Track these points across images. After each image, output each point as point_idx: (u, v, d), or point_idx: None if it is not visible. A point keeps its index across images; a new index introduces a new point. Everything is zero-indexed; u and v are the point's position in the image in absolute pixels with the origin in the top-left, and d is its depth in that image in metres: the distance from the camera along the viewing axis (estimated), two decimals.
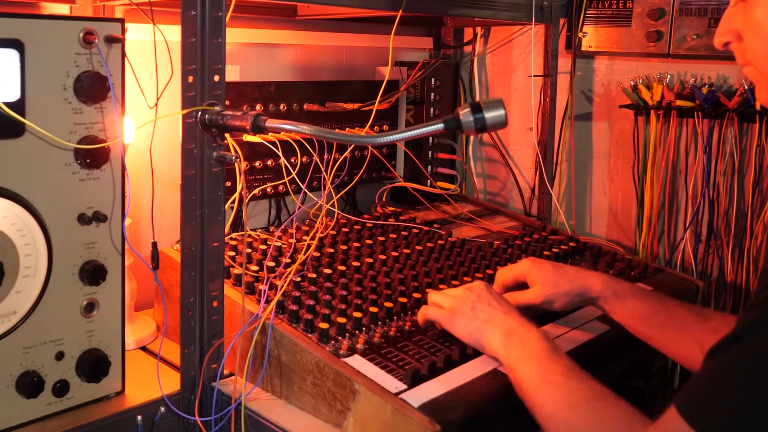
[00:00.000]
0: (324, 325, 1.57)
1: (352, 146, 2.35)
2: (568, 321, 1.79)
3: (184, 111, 1.48)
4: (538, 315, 1.77)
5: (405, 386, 1.44)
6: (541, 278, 1.77)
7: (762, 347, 1.10)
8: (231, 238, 1.99)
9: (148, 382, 1.61)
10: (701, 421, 1.12)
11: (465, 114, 1.31)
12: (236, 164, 1.52)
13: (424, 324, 1.68)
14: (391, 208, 2.44)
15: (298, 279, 1.78)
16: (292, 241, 1.95)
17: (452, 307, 1.63)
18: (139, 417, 1.53)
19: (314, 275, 1.82)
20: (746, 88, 2.28)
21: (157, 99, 1.55)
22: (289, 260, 1.86)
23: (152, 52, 1.53)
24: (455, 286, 1.85)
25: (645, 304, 1.70)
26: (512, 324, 1.55)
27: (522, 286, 1.82)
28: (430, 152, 2.68)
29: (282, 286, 1.69)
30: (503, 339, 1.52)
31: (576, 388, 1.36)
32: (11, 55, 1.32)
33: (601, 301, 1.74)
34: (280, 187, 2.24)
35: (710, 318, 1.64)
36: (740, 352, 1.12)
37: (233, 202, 1.98)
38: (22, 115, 1.33)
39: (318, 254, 1.94)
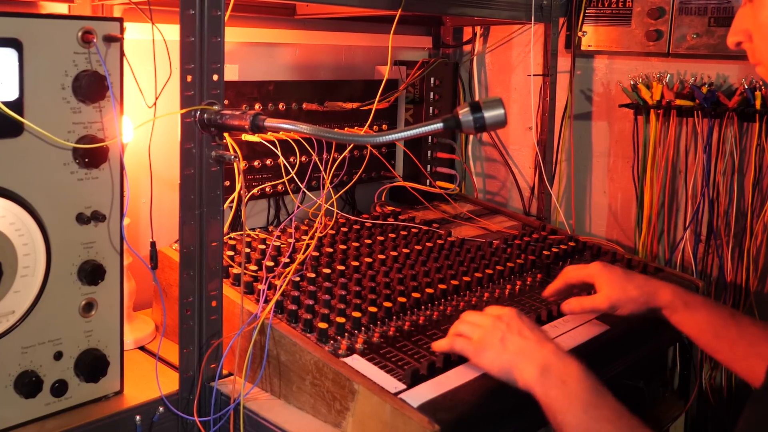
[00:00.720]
0: (323, 325, 1.57)
1: (351, 146, 2.35)
2: (567, 320, 1.79)
3: (183, 110, 1.48)
4: (537, 315, 1.77)
5: (404, 386, 1.44)
6: (611, 282, 1.74)
7: None
8: (230, 238, 1.98)
9: (146, 382, 1.61)
10: None
11: (464, 113, 1.31)
12: (235, 164, 1.52)
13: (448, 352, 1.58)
14: (390, 208, 2.43)
15: (297, 279, 1.77)
16: (291, 240, 1.95)
17: (480, 339, 1.51)
18: (138, 417, 1.53)
19: (313, 275, 1.82)
20: (746, 87, 2.28)
21: (156, 98, 1.54)
22: (288, 260, 1.86)
23: (151, 51, 1.52)
24: (455, 286, 1.85)
25: (715, 317, 1.67)
26: (548, 357, 1.43)
27: (585, 288, 1.82)
28: (429, 152, 2.68)
29: (281, 285, 1.68)
30: (539, 374, 1.41)
31: None
32: (10, 55, 1.31)
33: (669, 311, 1.71)
34: (279, 187, 2.24)
35: None
36: None
37: (232, 201, 1.97)
38: (21, 115, 1.33)
39: (317, 254, 1.94)
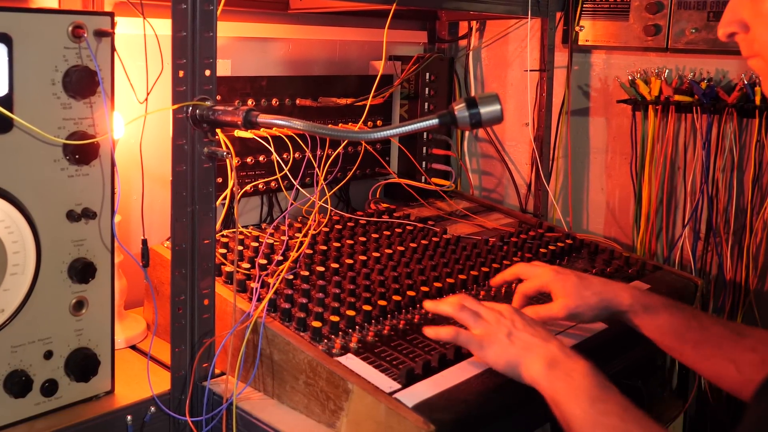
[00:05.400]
0: (317, 324, 1.56)
1: (346, 142, 2.34)
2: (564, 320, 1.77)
3: (175, 106, 1.47)
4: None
5: (399, 386, 1.43)
6: (566, 290, 1.69)
7: None
8: (222, 236, 1.97)
9: (138, 381, 1.60)
10: None
11: (460, 109, 1.29)
12: (227, 160, 1.51)
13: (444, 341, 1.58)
14: (384, 205, 2.42)
15: (291, 277, 1.76)
16: (285, 238, 1.94)
17: (485, 333, 1.51)
18: (129, 417, 1.52)
19: (307, 273, 1.81)
20: (745, 83, 2.27)
21: (147, 94, 1.53)
22: (281, 258, 1.85)
23: (142, 46, 1.51)
24: (450, 284, 1.84)
25: (677, 319, 1.64)
26: (554, 352, 1.43)
27: (544, 297, 1.76)
28: (424, 148, 2.67)
29: (274, 283, 1.68)
30: (545, 369, 1.41)
31: None
32: None
33: (631, 315, 1.67)
34: (272, 184, 2.23)
35: (747, 335, 1.58)
36: None
37: (224, 198, 1.96)
38: (10, 111, 1.32)
39: (311, 252, 1.93)
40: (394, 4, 1.97)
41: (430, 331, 1.56)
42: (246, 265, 1.81)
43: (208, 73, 1.50)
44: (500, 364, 1.47)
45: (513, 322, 1.51)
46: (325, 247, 1.98)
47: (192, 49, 1.47)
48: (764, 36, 1.24)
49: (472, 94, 2.85)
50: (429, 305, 1.63)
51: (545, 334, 1.49)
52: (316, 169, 2.13)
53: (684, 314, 1.65)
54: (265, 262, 1.82)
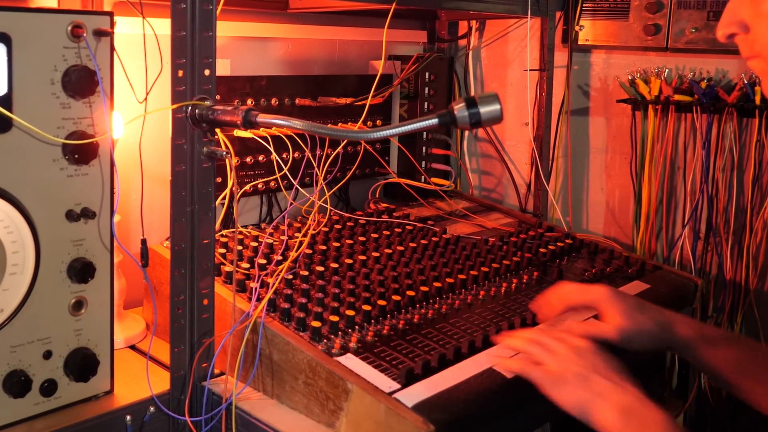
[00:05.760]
0: (316, 324, 1.56)
1: (345, 142, 2.34)
2: (563, 320, 1.76)
3: (174, 106, 1.47)
4: (533, 315, 1.75)
5: (398, 385, 1.42)
6: (622, 311, 1.59)
7: None
8: (222, 235, 1.96)
9: (137, 381, 1.59)
10: None
11: (459, 109, 1.29)
12: (227, 160, 1.50)
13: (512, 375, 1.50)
14: (384, 205, 2.42)
15: (290, 277, 1.76)
16: (284, 238, 1.93)
17: (558, 372, 1.43)
18: (128, 417, 1.52)
19: (306, 273, 1.81)
20: (745, 82, 2.27)
21: (147, 93, 1.53)
22: (280, 257, 1.85)
23: (141, 45, 1.51)
24: (450, 284, 1.84)
25: (740, 351, 1.57)
26: (630, 400, 1.37)
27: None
28: (424, 148, 2.67)
29: (273, 283, 1.67)
30: (620, 417, 1.34)
31: None
32: None
33: (688, 348, 1.59)
34: (272, 183, 2.23)
35: None
36: None
37: (224, 198, 1.96)
38: (9, 110, 1.32)
39: (310, 251, 1.92)
40: (394, 4, 1.96)
41: (501, 364, 1.51)
42: (245, 265, 1.81)
43: (207, 72, 1.49)
44: (570, 405, 1.40)
45: (589, 362, 1.43)
46: (324, 247, 1.98)
47: (191, 49, 1.47)
48: (765, 36, 1.23)
49: (472, 93, 2.86)
50: (499, 339, 1.57)
51: (621, 378, 1.41)
52: (316, 168, 2.13)
53: (745, 346, 1.59)
54: (264, 261, 1.82)
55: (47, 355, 1.44)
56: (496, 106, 1.29)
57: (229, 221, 2.06)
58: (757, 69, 1.28)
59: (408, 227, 2.23)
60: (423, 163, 2.67)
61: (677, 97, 2.39)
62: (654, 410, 1.35)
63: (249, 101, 2.18)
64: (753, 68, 1.29)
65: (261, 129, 2.01)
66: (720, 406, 2.38)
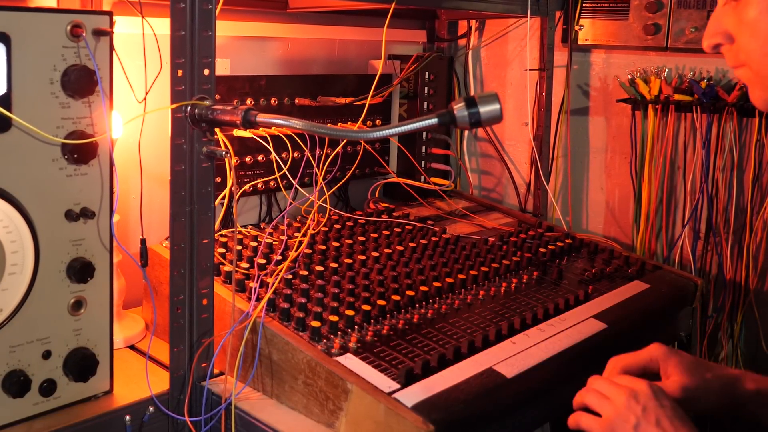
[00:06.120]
0: (316, 324, 1.55)
1: (345, 141, 2.34)
2: (563, 319, 1.77)
3: (174, 105, 1.47)
4: (533, 314, 1.75)
5: (398, 385, 1.42)
6: (682, 368, 1.48)
7: None
8: (221, 235, 1.96)
9: (136, 381, 1.59)
10: None
11: (459, 108, 1.29)
12: (226, 159, 1.50)
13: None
14: (383, 205, 2.41)
15: (290, 276, 1.76)
16: (284, 238, 1.93)
17: (611, 421, 1.35)
18: (128, 417, 1.52)
19: (306, 273, 1.80)
20: None
21: (146, 93, 1.53)
22: (280, 257, 1.84)
23: (141, 45, 1.51)
24: (450, 284, 1.83)
25: None
26: None
27: (651, 376, 1.53)
28: (423, 147, 2.66)
29: (273, 283, 1.67)
30: None
31: None
32: None
33: (756, 405, 1.48)
34: (271, 183, 2.23)
35: None
36: None
37: (223, 198, 1.96)
38: (9, 110, 1.32)
39: (309, 251, 1.92)
40: (393, 3, 1.96)
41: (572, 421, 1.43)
42: (245, 265, 1.81)
43: (206, 72, 1.49)
44: None
45: (645, 410, 1.34)
46: (324, 247, 1.97)
47: (191, 49, 1.47)
48: (749, 45, 1.23)
49: (472, 93, 2.85)
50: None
51: (680, 424, 1.33)
52: (315, 168, 2.12)
53: None
54: (263, 261, 1.82)
55: (46, 355, 1.44)
56: (496, 106, 1.29)
57: (228, 221, 2.05)
58: (744, 77, 1.28)
59: (408, 227, 2.23)
60: (422, 162, 2.66)
61: (677, 96, 2.39)
62: None
63: (248, 101, 2.18)
64: (740, 77, 1.29)
65: (260, 129, 2.01)
66: None
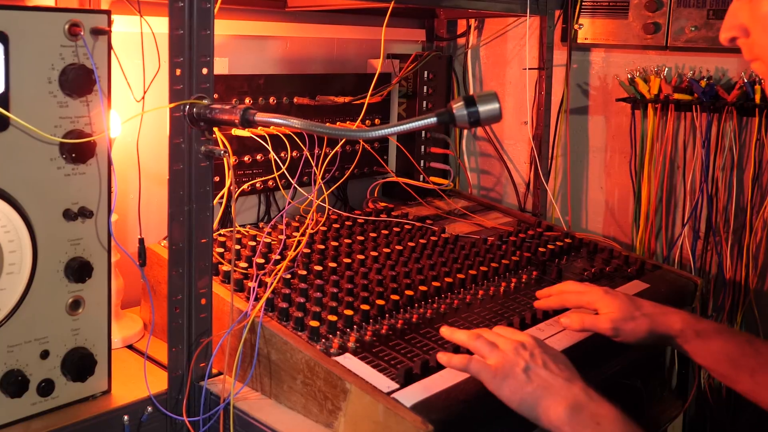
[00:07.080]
0: (314, 323, 1.55)
1: (343, 140, 2.34)
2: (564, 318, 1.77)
3: (172, 104, 1.46)
4: (532, 314, 1.75)
5: (397, 385, 1.42)
6: (614, 306, 1.65)
7: None
8: (219, 235, 1.96)
9: (134, 381, 1.59)
10: None
11: (458, 107, 1.29)
12: (225, 159, 1.50)
13: (458, 368, 1.46)
14: (382, 204, 2.41)
15: (288, 276, 1.76)
16: (282, 237, 1.93)
17: (500, 364, 1.40)
18: (126, 417, 1.51)
19: (304, 272, 1.80)
20: (745, 81, 2.26)
21: (144, 92, 1.53)
22: (278, 257, 1.84)
23: (139, 44, 1.51)
24: (449, 283, 1.83)
25: (732, 345, 1.58)
26: (579, 395, 1.33)
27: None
28: (422, 147, 2.66)
29: (272, 283, 1.67)
30: (569, 413, 1.31)
31: None
32: None
33: (681, 341, 1.62)
34: (270, 182, 2.22)
35: None
36: None
37: (222, 197, 1.95)
38: (7, 109, 1.31)
39: (308, 251, 1.92)
40: (392, 2, 1.96)
41: (443, 357, 1.47)
42: (243, 265, 1.80)
43: (205, 71, 1.49)
44: (515, 401, 1.37)
45: (533, 356, 1.40)
46: (322, 246, 1.97)
47: (189, 47, 1.47)
48: (763, 39, 1.24)
49: (471, 92, 2.85)
50: (445, 332, 1.55)
51: (568, 372, 1.39)
52: (314, 167, 2.12)
53: (738, 339, 1.60)
54: (262, 261, 1.82)
55: (44, 354, 1.44)
56: (495, 105, 1.28)
57: (227, 220, 2.05)
58: (759, 71, 1.29)
59: (407, 226, 2.22)
60: (422, 162, 2.66)
61: (677, 95, 2.39)
62: (604, 405, 1.32)
63: (247, 100, 2.18)
64: (755, 70, 1.30)
65: (259, 128, 2.00)
66: (720, 405, 2.37)
